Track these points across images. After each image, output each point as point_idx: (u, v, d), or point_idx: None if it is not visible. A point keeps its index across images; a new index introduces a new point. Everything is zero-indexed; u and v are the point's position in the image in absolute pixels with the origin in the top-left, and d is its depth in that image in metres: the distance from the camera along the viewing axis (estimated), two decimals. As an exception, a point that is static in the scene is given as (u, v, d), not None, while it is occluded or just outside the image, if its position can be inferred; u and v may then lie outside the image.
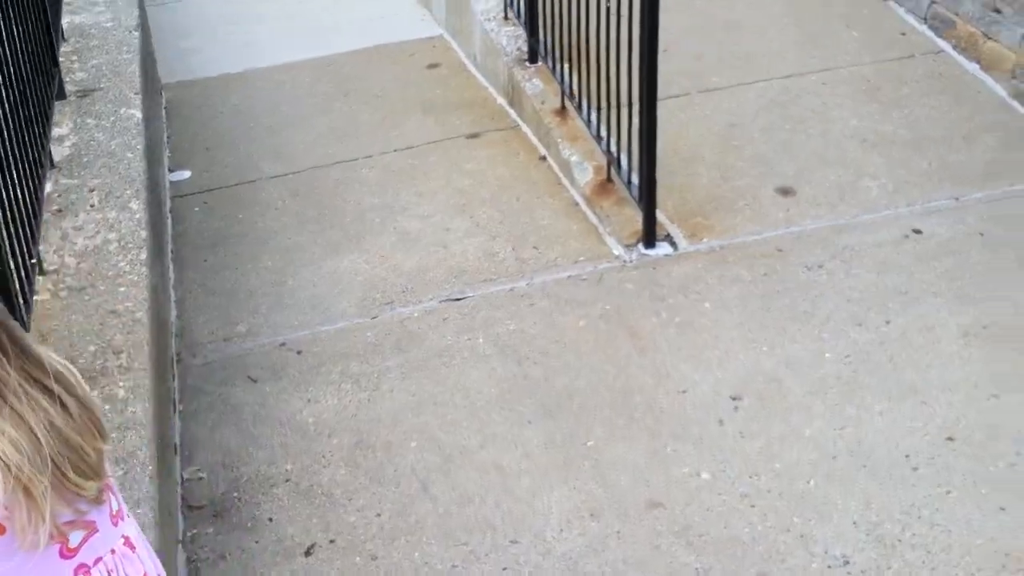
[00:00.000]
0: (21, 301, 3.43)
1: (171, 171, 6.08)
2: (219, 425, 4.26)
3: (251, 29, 7.84)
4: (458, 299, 4.75)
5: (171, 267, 5.16)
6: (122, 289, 3.87)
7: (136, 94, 5.20)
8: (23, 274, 3.54)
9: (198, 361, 4.62)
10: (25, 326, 3.41)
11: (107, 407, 3.32)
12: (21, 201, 3.70)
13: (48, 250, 4.03)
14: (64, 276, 3.92)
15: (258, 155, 6.13)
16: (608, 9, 4.81)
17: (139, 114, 5.05)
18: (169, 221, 5.55)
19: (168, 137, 6.41)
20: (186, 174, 6.06)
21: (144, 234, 4.16)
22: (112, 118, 5.00)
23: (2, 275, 3.28)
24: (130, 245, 4.09)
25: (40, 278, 3.84)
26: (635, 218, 4.95)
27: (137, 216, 4.26)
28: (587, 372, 4.27)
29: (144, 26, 6.17)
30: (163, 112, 6.60)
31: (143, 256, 4.04)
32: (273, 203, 5.66)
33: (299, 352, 4.61)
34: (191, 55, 7.54)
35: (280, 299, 4.95)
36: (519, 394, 4.20)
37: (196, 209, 5.73)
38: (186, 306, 4.95)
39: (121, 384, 3.43)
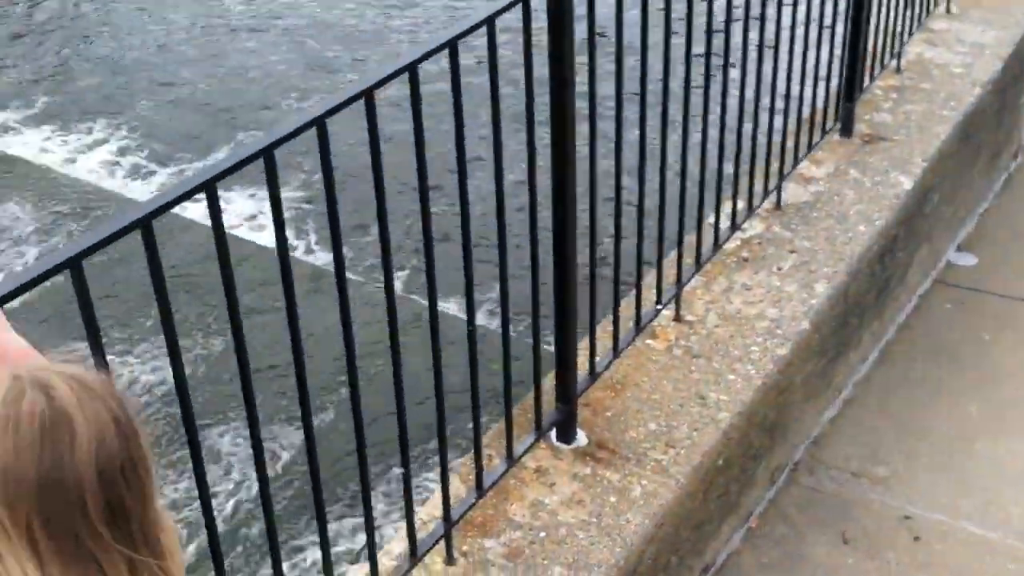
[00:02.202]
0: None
1: (958, 250, 5.16)
2: (772, 568, 3.55)
3: None
4: None
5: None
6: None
7: (924, 160, 4.40)
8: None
9: (806, 481, 3.89)
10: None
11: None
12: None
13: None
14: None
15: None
16: None
17: (908, 184, 4.27)
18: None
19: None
20: (971, 260, 5.10)
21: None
22: (877, 178, 4.30)
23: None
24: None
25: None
26: None
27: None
28: None
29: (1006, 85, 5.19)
30: (998, 183, 5.59)
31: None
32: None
33: (916, 539, 3.63)
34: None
35: (950, 459, 3.94)
36: None
37: (948, 306, 4.79)
38: (844, 415, 4.18)
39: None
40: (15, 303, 1.74)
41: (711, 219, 3.83)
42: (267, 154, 2.13)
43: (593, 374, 3.31)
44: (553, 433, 3.20)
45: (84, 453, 1.29)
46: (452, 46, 2.45)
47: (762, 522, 3.73)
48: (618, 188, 3.17)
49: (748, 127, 3.79)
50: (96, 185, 8.38)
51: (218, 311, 6.43)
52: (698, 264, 3.73)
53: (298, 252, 7.22)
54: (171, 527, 1.46)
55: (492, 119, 2.61)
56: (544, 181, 2.80)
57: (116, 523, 1.33)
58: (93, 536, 1.31)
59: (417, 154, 2.42)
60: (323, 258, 7.20)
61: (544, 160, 2.74)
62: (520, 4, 2.63)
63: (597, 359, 3.32)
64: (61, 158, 8.74)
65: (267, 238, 7.33)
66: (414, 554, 2.70)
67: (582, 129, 2.79)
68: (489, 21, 2.55)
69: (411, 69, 2.37)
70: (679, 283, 3.63)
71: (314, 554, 5.09)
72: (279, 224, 2.17)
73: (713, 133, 3.59)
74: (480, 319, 5.65)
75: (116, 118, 9.21)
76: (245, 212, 7.68)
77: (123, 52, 10.21)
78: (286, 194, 7.53)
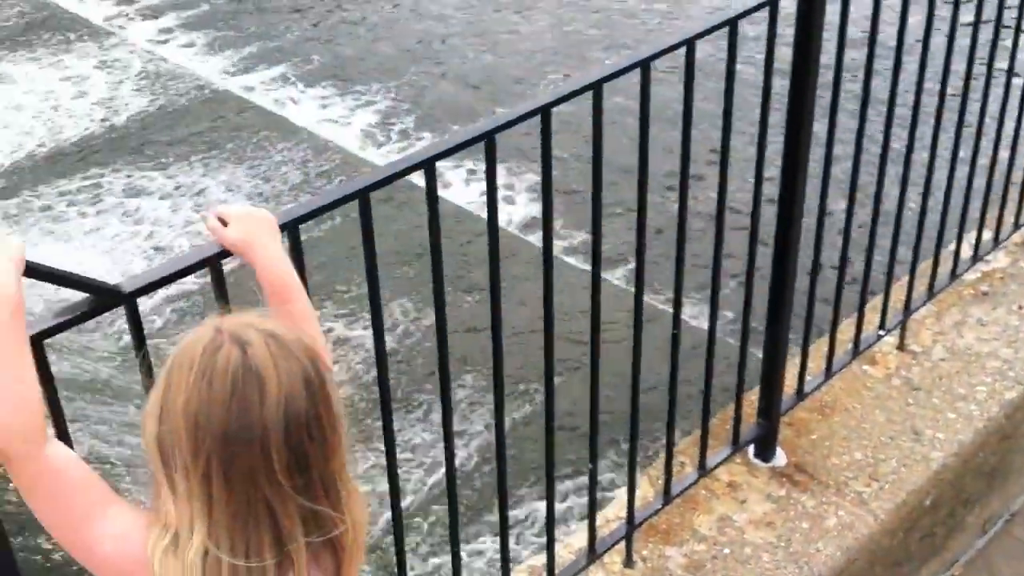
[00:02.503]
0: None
1: None
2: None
3: None
4: None
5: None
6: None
7: None
8: None
9: (1022, 534, 3.63)
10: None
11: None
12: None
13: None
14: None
15: None
16: None
17: None
18: None
19: None
20: None
21: None
22: None
23: None
24: None
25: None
26: None
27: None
28: None
29: None
30: None
31: None
32: None
33: None
34: None
35: None
36: None
37: None
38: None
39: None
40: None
41: (951, 246, 3.61)
42: (488, 138, 2.14)
43: (801, 393, 3.18)
44: (751, 449, 3.11)
45: (272, 408, 1.35)
46: (689, 45, 2.40)
47: (967, 571, 3.51)
48: (851, 201, 3.03)
49: (1004, 154, 3.55)
50: (347, 149, 8.72)
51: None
52: (931, 292, 3.52)
53: (534, 236, 7.23)
54: (357, 490, 1.49)
55: (723, 125, 2.54)
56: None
57: (298, 475, 1.38)
58: (272, 485, 1.36)
59: (641, 150, 2.37)
60: (557, 244, 7.22)
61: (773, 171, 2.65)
62: (767, 7, 2.55)
63: (808, 378, 3.19)
64: (325, 121, 9.14)
65: (507, 216, 7.44)
66: (592, 551, 2.68)
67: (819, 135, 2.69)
68: (732, 23, 2.47)
69: (643, 65, 2.33)
70: (907, 310, 3.44)
71: (494, 543, 5.15)
72: (492, 206, 2.18)
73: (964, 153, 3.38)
74: (692, 322, 5.58)
75: (383, 86, 9.54)
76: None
77: (396, 22, 10.55)
78: (532, 177, 7.64)
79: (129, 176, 8.48)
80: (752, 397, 3.11)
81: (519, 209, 7.60)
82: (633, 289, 2.58)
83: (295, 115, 9.22)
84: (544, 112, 2.20)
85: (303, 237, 1.86)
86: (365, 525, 1.52)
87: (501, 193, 7.69)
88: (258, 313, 1.45)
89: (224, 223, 1.71)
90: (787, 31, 2.58)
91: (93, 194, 8.28)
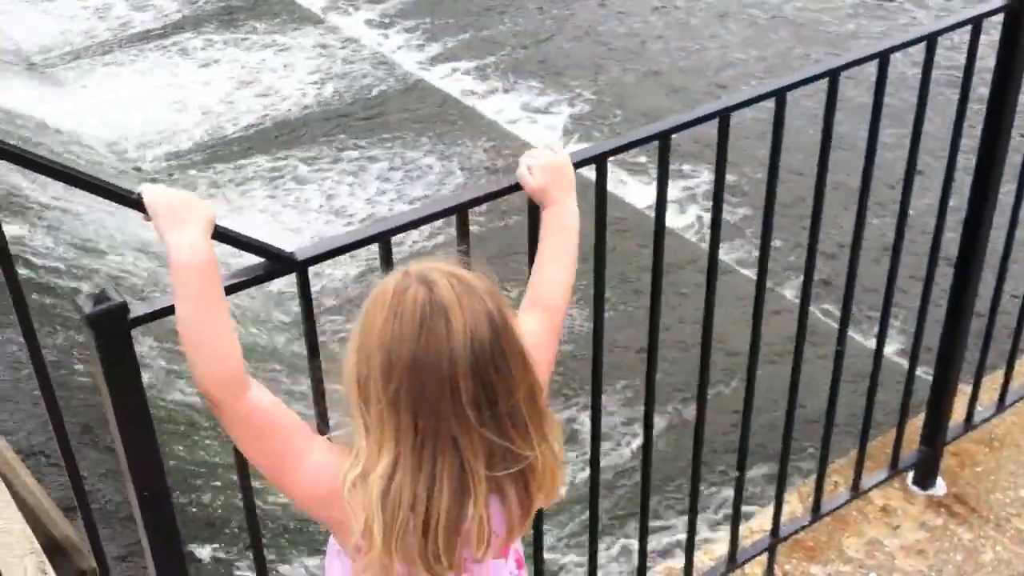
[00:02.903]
0: None
1: None
2: None
3: None
4: None
5: None
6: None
7: None
8: None
9: None
10: None
11: None
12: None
13: None
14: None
15: None
16: None
17: None
18: None
19: None
20: None
21: None
22: None
23: None
24: None
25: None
26: None
27: None
28: None
29: None
30: None
31: None
32: None
33: None
34: None
35: None
36: None
37: None
38: None
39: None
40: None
41: None
42: (662, 138, 2.15)
43: (970, 423, 3.08)
44: (910, 475, 3.02)
45: (459, 340, 1.43)
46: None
47: None
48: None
49: None
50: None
51: (614, 283, 6.52)
52: (1121, 331, 3.34)
53: (724, 244, 7.11)
54: (556, 425, 1.56)
55: (912, 137, 2.47)
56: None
57: (484, 408, 1.45)
58: (458, 416, 1.44)
59: (822, 153, 2.33)
60: (738, 255, 7.10)
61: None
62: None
63: (978, 408, 3.08)
64: (522, 116, 9.25)
65: (692, 221, 7.38)
66: (733, 560, 2.66)
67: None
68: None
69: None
70: (1093, 346, 3.27)
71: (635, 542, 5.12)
72: (660, 208, 2.19)
73: None
74: (862, 342, 5.42)
75: (582, 83, 9.58)
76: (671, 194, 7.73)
77: (601, 21, 10.58)
78: (743, 183, 7.53)
79: (321, 158, 8.80)
80: (917, 423, 3.02)
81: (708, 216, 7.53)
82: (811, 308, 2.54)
83: (489, 109, 9.37)
84: (723, 116, 2.19)
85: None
86: (560, 461, 1.56)
87: (693, 196, 7.66)
88: (443, 260, 1.54)
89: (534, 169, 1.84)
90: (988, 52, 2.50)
91: (286, 174, 8.63)
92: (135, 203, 1.56)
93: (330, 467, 1.53)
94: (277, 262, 1.76)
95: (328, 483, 1.52)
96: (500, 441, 1.47)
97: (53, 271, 6.25)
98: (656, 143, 2.15)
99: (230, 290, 1.71)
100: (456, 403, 1.44)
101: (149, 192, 1.55)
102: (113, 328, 1.59)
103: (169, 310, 1.64)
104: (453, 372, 1.43)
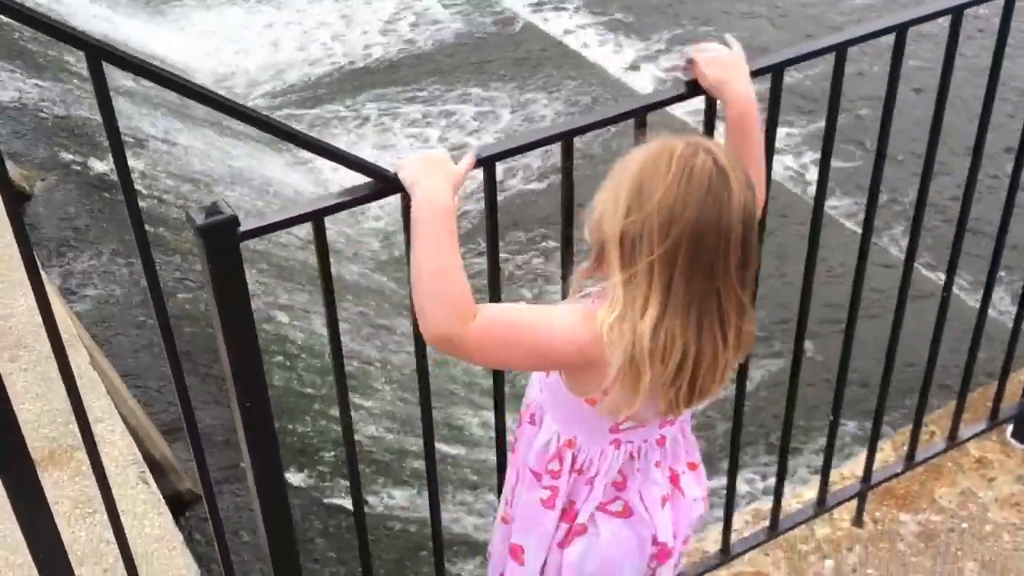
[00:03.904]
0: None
1: None
2: None
3: None
4: None
5: None
6: None
7: None
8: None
9: None
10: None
11: None
12: None
13: None
14: None
15: None
16: None
17: None
18: None
19: None
20: None
21: None
22: None
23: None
24: None
25: None
26: None
27: None
28: None
29: None
30: None
31: None
32: None
33: None
34: None
35: None
36: None
37: None
38: None
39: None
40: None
41: None
42: (776, 71, 2.08)
43: (1075, 377, 3.01)
44: (1009, 428, 2.97)
45: (736, 207, 1.57)
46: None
47: None
48: None
49: None
50: (639, 92, 8.74)
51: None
52: None
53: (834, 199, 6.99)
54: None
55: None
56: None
57: (742, 268, 1.61)
58: (725, 275, 1.60)
59: (937, 108, 2.26)
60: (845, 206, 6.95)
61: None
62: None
63: (1085, 365, 3.01)
64: (623, 63, 9.20)
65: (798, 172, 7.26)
66: (822, 503, 2.64)
67: None
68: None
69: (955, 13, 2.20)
70: None
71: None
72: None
73: None
74: (966, 300, 5.30)
75: (685, 31, 9.47)
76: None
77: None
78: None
79: (419, 96, 8.85)
80: (1021, 377, 2.96)
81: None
82: (917, 265, 2.48)
83: (595, 54, 9.33)
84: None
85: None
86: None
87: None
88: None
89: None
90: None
91: (386, 109, 8.71)
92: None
93: (577, 324, 1.65)
94: (385, 182, 1.78)
95: (581, 338, 1.64)
96: (744, 299, 1.64)
97: (160, 201, 6.41)
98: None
99: (333, 210, 1.75)
100: (726, 263, 1.58)
101: (403, 161, 1.70)
102: (224, 239, 1.63)
103: (278, 225, 1.70)
104: (727, 236, 1.57)
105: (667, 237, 1.56)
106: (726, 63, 1.86)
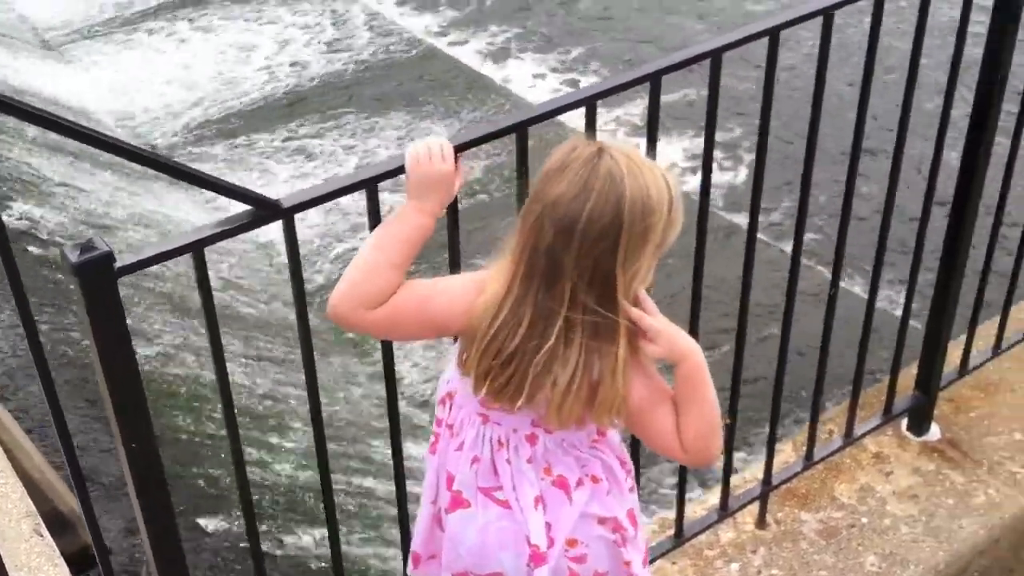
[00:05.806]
0: None
1: None
2: None
3: None
4: None
5: None
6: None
7: None
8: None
9: None
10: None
11: None
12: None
13: None
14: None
15: None
16: None
17: None
18: None
19: None
20: None
21: None
22: None
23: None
24: None
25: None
26: None
27: None
28: None
29: None
30: None
31: None
32: None
33: None
34: None
35: None
36: None
37: None
38: None
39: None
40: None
41: None
42: (653, 79, 2.11)
43: (965, 368, 3.09)
44: (904, 421, 3.05)
45: (603, 203, 1.62)
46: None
47: None
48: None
49: None
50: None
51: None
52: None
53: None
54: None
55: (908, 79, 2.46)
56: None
57: (603, 284, 1.65)
58: (577, 277, 1.65)
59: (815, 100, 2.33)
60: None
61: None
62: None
63: (973, 353, 3.09)
64: (532, 82, 9.33)
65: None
66: (724, 508, 2.68)
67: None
68: None
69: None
70: (1087, 292, 3.28)
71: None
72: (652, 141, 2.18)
73: None
74: (857, 293, 5.43)
75: (586, 49, 9.58)
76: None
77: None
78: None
79: (327, 124, 8.85)
80: (912, 371, 3.05)
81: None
82: (805, 261, 2.54)
83: (500, 75, 9.42)
84: (715, 57, 2.15)
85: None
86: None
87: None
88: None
89: None
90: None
91: (294, 144, 8.69)
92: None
93: (458, 295, 1.78)
94: (263, 208, 1.78)
95: (459, 307, 1.76)
96: (600, 311, 1.67)
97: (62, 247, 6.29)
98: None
99: (214, 239, 1.74)
100: (578, 263, 1.63)
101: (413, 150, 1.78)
102: (100, 276, 1.62)
103: (157, 258, 1.70)
104: (616, 232, 1.62)
105: (529, 215, 1.67)
106: (660, 329, 1.78)
